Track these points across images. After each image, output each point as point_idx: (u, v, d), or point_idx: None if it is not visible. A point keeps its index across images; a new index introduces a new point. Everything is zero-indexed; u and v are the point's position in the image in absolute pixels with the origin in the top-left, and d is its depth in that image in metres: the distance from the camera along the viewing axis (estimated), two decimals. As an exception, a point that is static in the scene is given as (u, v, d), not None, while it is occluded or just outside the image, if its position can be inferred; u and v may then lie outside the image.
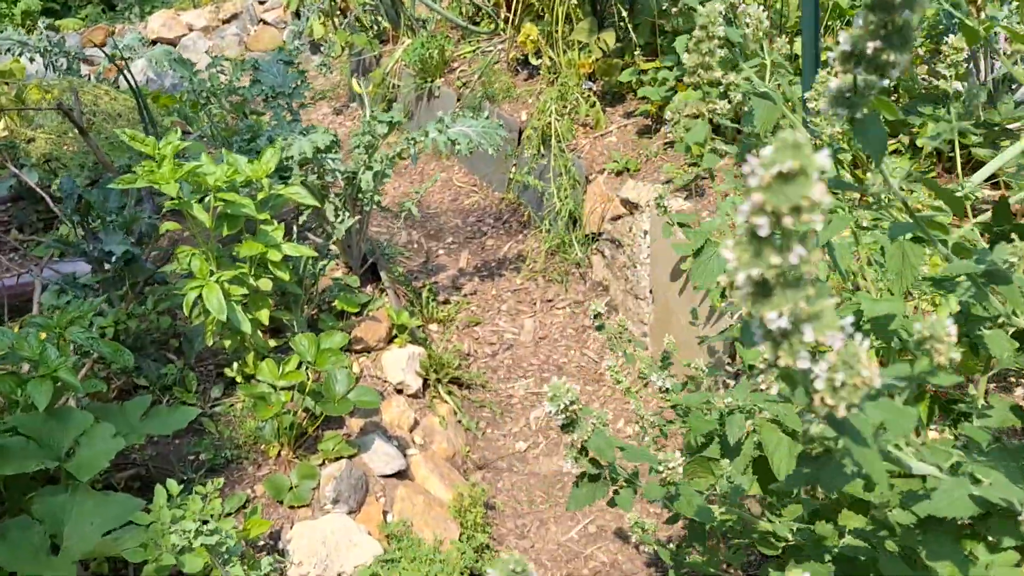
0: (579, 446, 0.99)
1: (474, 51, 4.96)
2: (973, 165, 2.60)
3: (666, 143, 3.47)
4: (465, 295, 3.69)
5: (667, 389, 1.29)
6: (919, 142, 2.72)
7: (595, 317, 1.62)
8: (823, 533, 1.09)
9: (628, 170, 3.45)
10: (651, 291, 3.12)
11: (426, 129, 3.11)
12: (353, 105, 5.74)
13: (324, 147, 2.82)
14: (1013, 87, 2.82)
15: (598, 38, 3.74)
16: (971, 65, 2.77)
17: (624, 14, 3.75)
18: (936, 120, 2.71)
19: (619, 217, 3.34)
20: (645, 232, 3.13)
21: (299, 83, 3.27)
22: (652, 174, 3.34)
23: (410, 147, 3.10)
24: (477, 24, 5.09)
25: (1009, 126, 2.79)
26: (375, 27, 5.62)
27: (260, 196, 2.47)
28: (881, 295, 1.21)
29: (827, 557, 1.03)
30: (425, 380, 2.98)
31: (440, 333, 3.42)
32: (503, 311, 3.57)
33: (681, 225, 1.48)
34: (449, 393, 3.03)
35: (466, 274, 3.84)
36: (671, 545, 1.55)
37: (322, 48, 6.14)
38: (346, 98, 5.81)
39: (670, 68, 3.42)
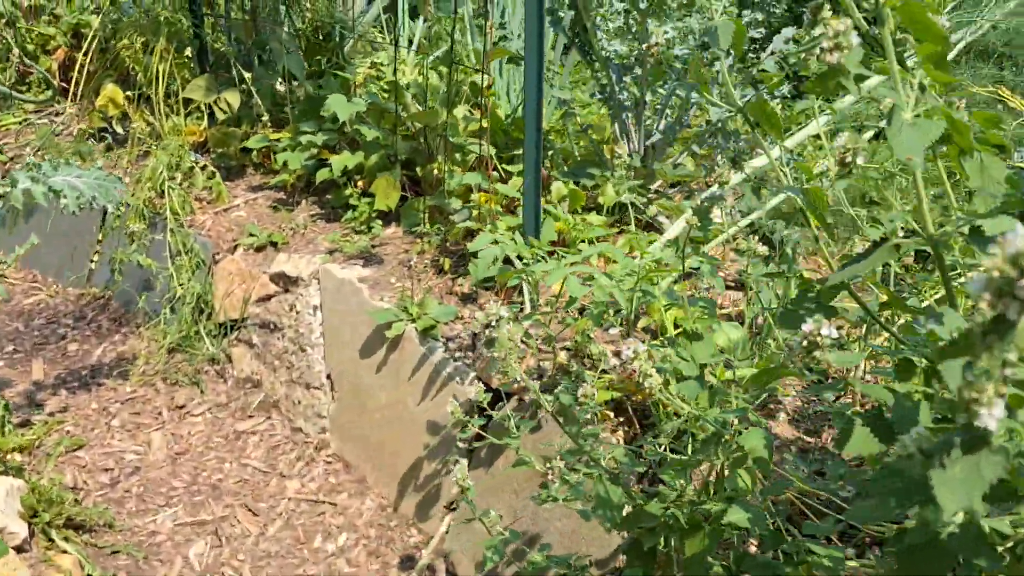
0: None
1: (21, 122, 3.99)
2: (644, 224, 2.71)
3: (313, 215, 3.04)
4: (52, 413, 2.74)
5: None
6: (601, 200, 2.73)
7: (487, 327, 1.13)
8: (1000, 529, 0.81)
9: (274, 244, 2.92)
10: (328, 376, 2.61)
11: (15, 177, 2.27)
12: None
13: None
14: (657, 152, 3.01)
15: (219, 98, 3.20)
16: (623, 132, 2.89)
17: (247, 76, 3.28)
18: (607, 182, 2.79)
19: (271, 297, 2.79)
20: (315, 308, 2.64)
21: None
22: (306, 246, 2.87)
23: (-12, 202, 2.23)
24: (23, 92, 4.13)
25: (663, 188, 2.96)
26: None
27: None
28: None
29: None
30: (30, 526, 2.05)
31: (29, 464, 2.45)
32: (115, 427, 2.71)
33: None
34: (66, 539, 2.13)
35: (46, 388, 2.88)
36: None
37: None
38: None
39: (314, 133, 3.04)
